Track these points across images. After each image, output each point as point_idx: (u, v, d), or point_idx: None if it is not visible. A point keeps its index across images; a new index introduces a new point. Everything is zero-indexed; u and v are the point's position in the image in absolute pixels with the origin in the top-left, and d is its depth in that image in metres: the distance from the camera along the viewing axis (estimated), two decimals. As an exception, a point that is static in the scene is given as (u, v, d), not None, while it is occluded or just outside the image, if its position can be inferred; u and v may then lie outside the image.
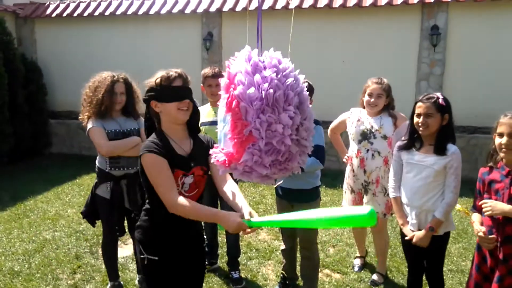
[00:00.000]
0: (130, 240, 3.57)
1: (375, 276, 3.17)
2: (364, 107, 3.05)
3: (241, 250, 3.39)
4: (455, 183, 2.26)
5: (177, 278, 1.84)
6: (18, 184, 5.59)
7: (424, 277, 2.54)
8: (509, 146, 1.95)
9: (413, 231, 2.34)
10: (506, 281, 1.93)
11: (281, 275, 3.04)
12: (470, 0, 5.67)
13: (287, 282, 3.02)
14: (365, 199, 3.07)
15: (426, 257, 2.42)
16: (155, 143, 1.70)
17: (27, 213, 4.50)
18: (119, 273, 3.15)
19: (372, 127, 2.96)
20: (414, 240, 2.31)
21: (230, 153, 1.41)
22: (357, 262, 3.38)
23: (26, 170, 6.38)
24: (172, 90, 1.71)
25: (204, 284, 2.99)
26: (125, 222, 2.88)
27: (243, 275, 3.17)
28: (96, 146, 2.62)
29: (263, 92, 1.32)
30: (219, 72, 2.96)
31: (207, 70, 3.03)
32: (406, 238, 2.36)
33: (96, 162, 2.77)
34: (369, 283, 3.11)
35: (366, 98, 2.97)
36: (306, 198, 2.69)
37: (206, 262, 3.25)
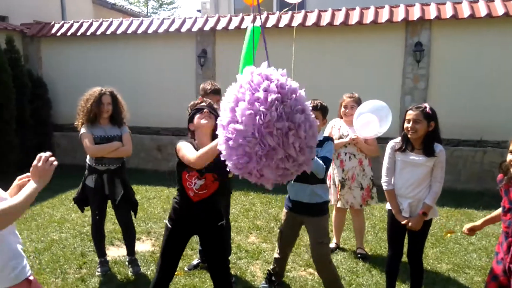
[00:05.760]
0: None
1: (360, 250, 3.79)
2: (341, 117, 3.78)
3: (232, 251, 3.74)
4: (441, 174, 2.66)
5: (183, 242, 2.49)
6: (25, 192, 5.96)
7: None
8: None
9: (405, 217, 2.71)
10: None
11: (268, 272, 3.21)
12: (452, 18, 5.88)
13: (273, 279, 3.19)
14: (341, 192, 3.71)
15: (411, 239, 2.78)
16: (188, 141, 2.33)
17: (34, 217, 4.88)
18: (121, 269, 3.58)
19: (348, 134, 3.66)
20: (410, 224, 2.67)
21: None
22: (331, 246, 3.82)
23: (32, 179, 6.76)
24: (195, 110, 2.36)
25: (197, 279, 3.40)
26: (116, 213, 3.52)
27: (233, 272, 3.47)
28: (85, 148, 3.30)
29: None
30: (219, 89, 3.46)
31: (209, 86, 3.45)
32: (403, 223, 2.69)
33: (86, 159, 3.43)
34: (358, 257, 3.71)
35: (342, 109, 3.73)
36: (316, 212, 2.79)
37: (199, 261, 3.63)
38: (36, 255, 3.83)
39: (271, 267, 3.20)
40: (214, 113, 2.33)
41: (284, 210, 2.98)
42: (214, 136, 2.30)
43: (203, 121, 2.29)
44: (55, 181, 7.04)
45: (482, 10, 5.90)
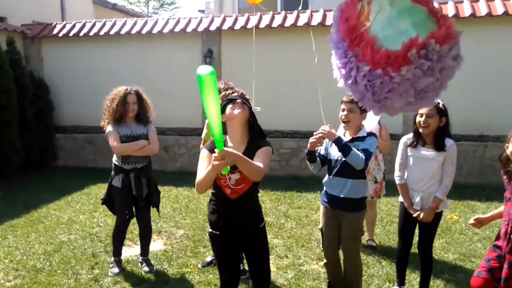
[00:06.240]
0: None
1: (370, 242, 3.84)
2: None
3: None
4: (452, 169, 2.74)
5: (233, 246, 2.29)
6: (29, 194, 5.86)
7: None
8: None
9: (417, 210, 2.79)
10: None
11: (328, 283, 3.03)
12: (454, 17, 5.95)
13: None
14: None
15: (421, 231, 2.84)
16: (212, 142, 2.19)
17: (41, 219, 4.78)
18: (134, 268, 3.53)
19: None
20: (421, 216, 2.74)
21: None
22: None
23: (35, 181, 6.66)
24: (226, 100, 2.24)
25: (211, 276, 3.35)
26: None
27: (246, 268, 3.46)
28: (111, 147, 3.26)
29: None
30: (232, 87, 3.37)
31: (222, 85, 3.37)
32: (414, 215, 2.77)
33: (113, 159, 3.39)
34: (367, 248, 3.78)
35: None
36: (354, 207, 2.69)
37: (213, 258, 3.57)
38: (46, 257, 3.74)
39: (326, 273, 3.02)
40: (247, 104, 2.22)
41: (321, 207, 2.86)
42: (249, 127, 2.20)
43: (237, 112, 2.16)
44: (60, 183, 7.04)
45: (482, 9, 6.05)
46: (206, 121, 3.48)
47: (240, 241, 2.30)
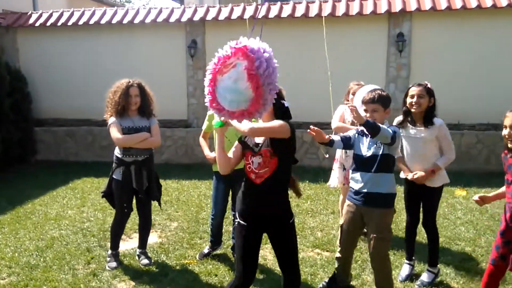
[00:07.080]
0: (135, 234, 3.89)
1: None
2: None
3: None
4: (448, 143, 2.98)
5: (257, 239, 2.33)
6: (12, 190, 5.68)
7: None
8: (511, 137, 2.22)
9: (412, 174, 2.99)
10: None
11: (333, 272, 3.05)
12: (431, 9, 6.25)
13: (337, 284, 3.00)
14: None
15: (424, 204, 3.07)
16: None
17: (28, 216, 4.66)
18: (131, 261, 3.53)
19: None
20: (415, 176, 2.94)
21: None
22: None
23: (16, 177, 6.45)
24: None
25: (210, 266, 3.41)
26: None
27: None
28: (112, 138, 3.26)
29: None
30: None
31: None
32: (409, 177, 2.98)
33: (115, 151, 3.39)
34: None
35: (351, 96, 3.62)
36: (377, 203, 2.60)
37: (210, 249, 3.61)
38: (39, 253, 3.68)
39: (336, 265, 3.01)
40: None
41: (346, 202, 2.82)
42: (276, 117, 2.23)
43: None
44: (43, 178, 6.82)
45: (457, 2, 6.29)
46: (208, 113, 3.52)
47: (268, 232, 2.33)
